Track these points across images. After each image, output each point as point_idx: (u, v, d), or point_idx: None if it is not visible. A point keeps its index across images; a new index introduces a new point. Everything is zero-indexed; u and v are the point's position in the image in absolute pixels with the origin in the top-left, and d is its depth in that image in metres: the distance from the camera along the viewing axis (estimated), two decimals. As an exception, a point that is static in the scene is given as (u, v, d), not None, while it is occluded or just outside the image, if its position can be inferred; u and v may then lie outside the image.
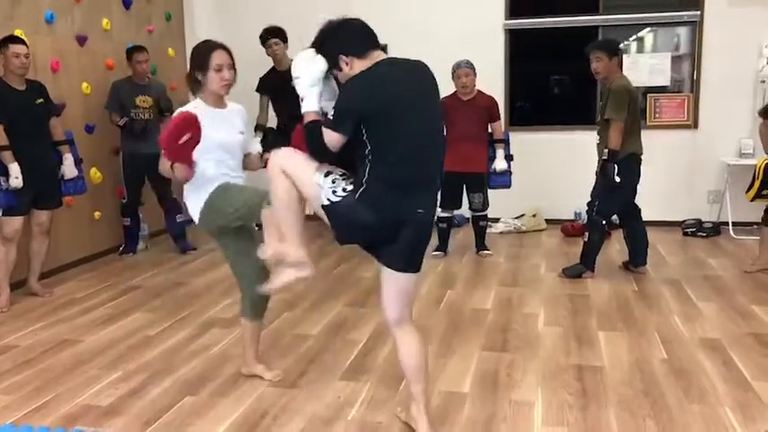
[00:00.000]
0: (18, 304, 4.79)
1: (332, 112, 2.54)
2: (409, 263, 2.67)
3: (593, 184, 5.09)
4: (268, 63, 6.48)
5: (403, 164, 2.53)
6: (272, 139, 5.67)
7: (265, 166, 2.94)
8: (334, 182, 2.58)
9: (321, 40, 2.60)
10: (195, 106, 3.19)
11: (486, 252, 5.99)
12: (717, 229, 6.56)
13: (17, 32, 4.95)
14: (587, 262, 5.17)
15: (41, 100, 4.85)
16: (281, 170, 2.63)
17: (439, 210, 6.00)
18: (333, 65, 2.59)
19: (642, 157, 5.02)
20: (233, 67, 3.23)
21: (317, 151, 2.57)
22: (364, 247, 2.74)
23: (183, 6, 7.50)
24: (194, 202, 3.25)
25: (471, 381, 3.38)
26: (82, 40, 5.88)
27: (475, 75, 5.72)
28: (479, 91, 5.80)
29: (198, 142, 3.04)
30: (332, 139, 2.51)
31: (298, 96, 2.63)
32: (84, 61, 5.91)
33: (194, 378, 3.49)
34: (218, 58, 3.16)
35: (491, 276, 5.32)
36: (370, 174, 2.53)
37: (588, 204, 5.15)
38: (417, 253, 2.69)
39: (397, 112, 2.50)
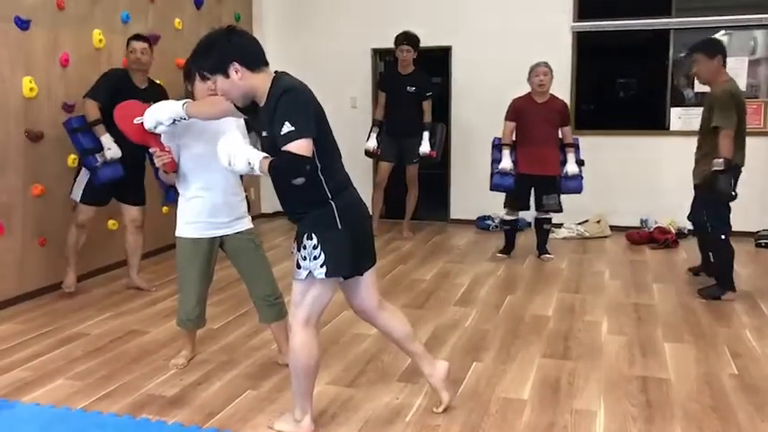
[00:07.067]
0: (88, 293, 4.97)
1: (287, 129, 2.41)
2: (372, 256, 2.86)
3: (692, 201, 4.86)
4: (337, 61, 6.49)
5: (340, 170, 2.71)
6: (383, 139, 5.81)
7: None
8: (305, 258, 2.63)
9: (211, 43, 2.55)
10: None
11: (547, 256, 5.91)
12: (793, 241, 6.27)
13: (95, 32, 5.12)
14: (725, 282, 4.74)
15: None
16: (305, 320, 2.71)
17: (503, 213, 6.00)
18: (217, 70, 2.51)
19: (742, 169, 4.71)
20: None
21: (292, 171, 2.46)
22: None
23: (251, 7, 7.64)
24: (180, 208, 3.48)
25: (531, 388, 3.33)
26: (155, 40, 6.03)
27: (552, 76, 5.66)
28: (552, 94, 5.74)
29: None
30: (303, 146, 2.42)
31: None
32: (156, 60, 6.05)
33: (256, 372, 3.56)
34: None
35: (553, 282, 5.23)
36: (328, 186, 2.62)
37: (693, 223, 4.93)
38: (372, 245, 2.87)
39: (324, 120, 2.63)
